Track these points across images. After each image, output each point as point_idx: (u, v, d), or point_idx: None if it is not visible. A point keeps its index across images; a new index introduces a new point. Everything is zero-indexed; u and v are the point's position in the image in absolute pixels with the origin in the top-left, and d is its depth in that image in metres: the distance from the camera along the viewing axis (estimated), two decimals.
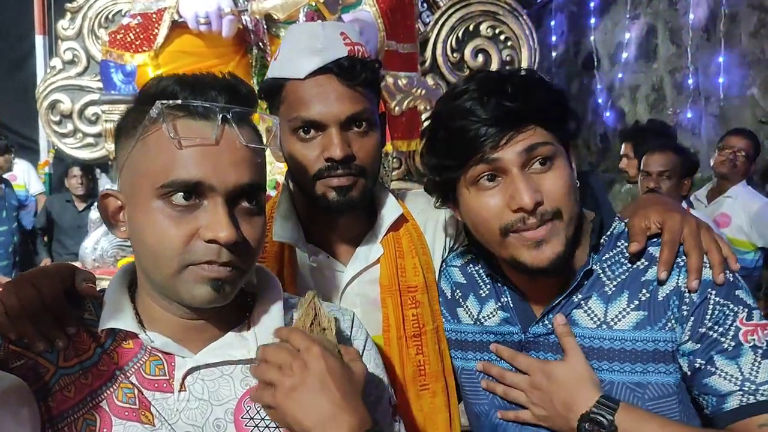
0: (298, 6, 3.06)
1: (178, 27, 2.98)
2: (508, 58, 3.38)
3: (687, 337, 1.04)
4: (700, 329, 1.03)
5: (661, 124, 4.73)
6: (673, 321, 1.05)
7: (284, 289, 1.23)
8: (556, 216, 1.05)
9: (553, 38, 7.51)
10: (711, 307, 1.03)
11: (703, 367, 1.02)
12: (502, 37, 3.37)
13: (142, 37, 2.96)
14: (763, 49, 4.65)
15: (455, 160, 1.08)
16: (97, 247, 3.09)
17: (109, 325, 0.91)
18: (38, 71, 5.94)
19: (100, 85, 3.20)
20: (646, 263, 1.10)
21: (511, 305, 1.20)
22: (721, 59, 4.93)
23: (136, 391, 0.89)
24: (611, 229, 1.16)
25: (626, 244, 1.12)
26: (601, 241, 1.15)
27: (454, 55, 3.35)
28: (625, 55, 6.28)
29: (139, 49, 2.97)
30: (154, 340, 0.91)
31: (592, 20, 6.71)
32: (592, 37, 6.72)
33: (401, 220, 1.35)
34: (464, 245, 1.38)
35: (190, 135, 0.84)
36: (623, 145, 4.32)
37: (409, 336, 1.29)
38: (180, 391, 0.91)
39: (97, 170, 5.44)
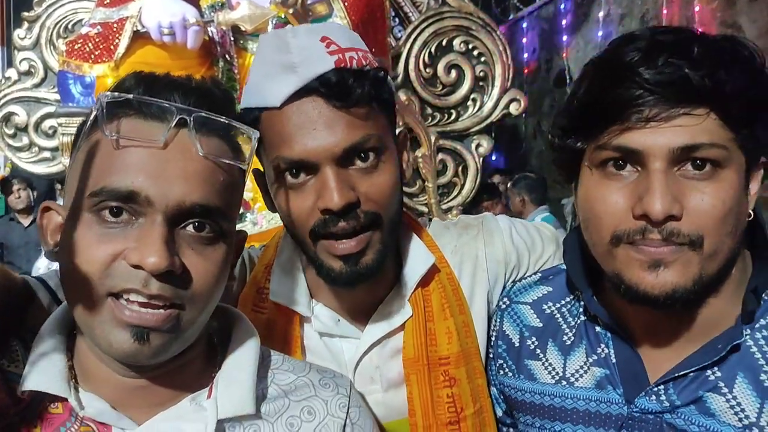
0: (266, 17, 2.98)
1: (140, 37, 2.88)
2: (481, 74, 3.33)
3: None
4: None
5: None
6: None
7: None
8: (695, 245, 0.75)
9: (525, 55, 7.52)
10: None
11: None
12: (475, 53, 3.33)
13: (101, 47, 2.84)
14: None
15: (586, 125, 0.80)
16: (51, 267, 2.93)
17: (32, 386, 0.71)
18: None
19: (58, 97, 3.08)
20: None
21: (614, 359, 0.88)
22: None
23: None
24: None
25: None
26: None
27: (427, 70, 3.30)
28: None
29: (99, 60, 2.85)
30: (86, 406, 0.72)
31: (564, 38, 6.73)
32: (564, 55, 6.74)
33: (432, 271, 1.05)
34: (531, 275, 1.09)
35: (133, 135, 0.69)
36: None
37: (443, 423, 1.01)
38: None
39: (57, 186, 5.27)
